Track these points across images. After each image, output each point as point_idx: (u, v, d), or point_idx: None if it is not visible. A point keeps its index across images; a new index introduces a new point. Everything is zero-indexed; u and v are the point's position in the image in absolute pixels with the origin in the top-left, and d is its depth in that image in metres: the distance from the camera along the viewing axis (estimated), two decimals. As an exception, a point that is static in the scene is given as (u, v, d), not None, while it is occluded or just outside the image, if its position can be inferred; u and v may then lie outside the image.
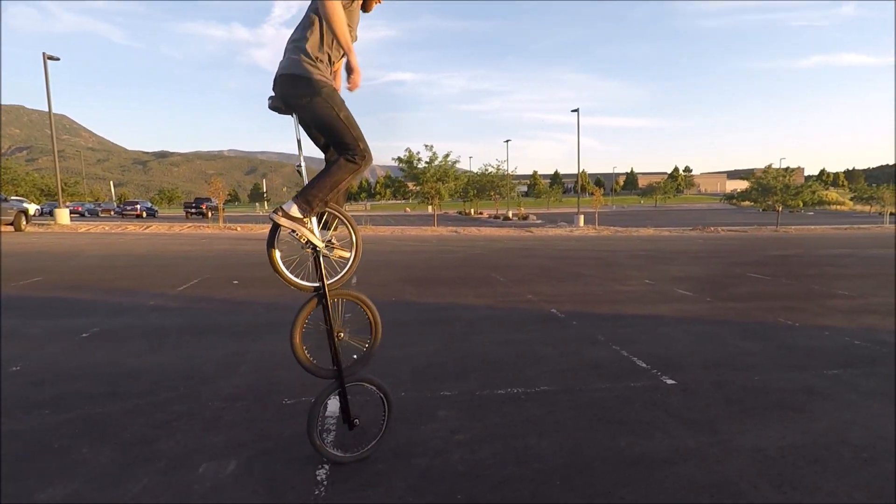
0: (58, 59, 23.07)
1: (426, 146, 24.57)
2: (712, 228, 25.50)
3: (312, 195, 2.40)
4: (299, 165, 2.48)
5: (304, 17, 2.37)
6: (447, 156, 25.38)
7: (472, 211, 63.12)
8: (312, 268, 2.62)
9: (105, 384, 3.69)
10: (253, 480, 2.46)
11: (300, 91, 2.30)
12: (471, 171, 56.23)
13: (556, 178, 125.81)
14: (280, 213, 2.40)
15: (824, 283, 8.70)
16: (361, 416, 2.70)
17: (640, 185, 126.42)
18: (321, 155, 2.60)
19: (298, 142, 2.46)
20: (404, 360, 4.28)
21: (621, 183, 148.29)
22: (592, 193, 29.22)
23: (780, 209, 30.45)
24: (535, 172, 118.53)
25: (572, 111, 33.47)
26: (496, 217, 48.26)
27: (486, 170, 50.67)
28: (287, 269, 2.56)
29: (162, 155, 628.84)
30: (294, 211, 2.40)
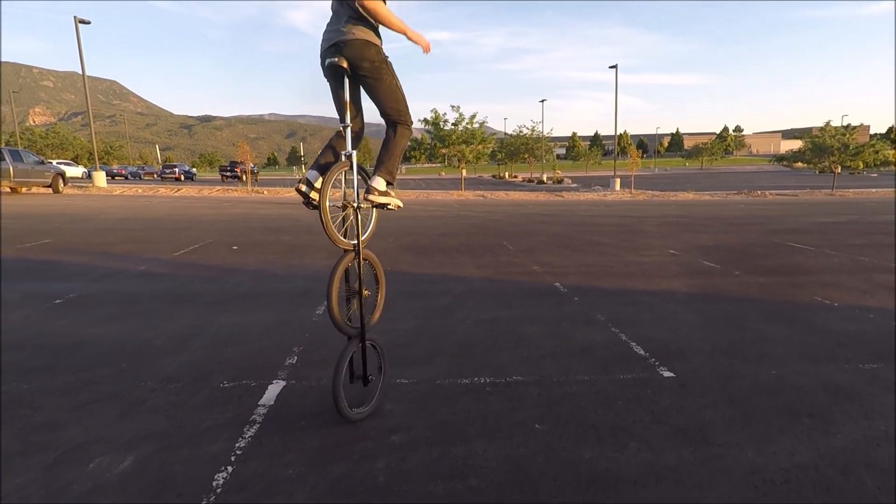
0: (88, 23, 23.15)
1: (452, 107, 23.69)
2: (759, 192, 23.84)
3: (392, 166, 2.64)
4: (347, 126, 2.56)
5: None
6: (473, 116, 24.36)
7: (507, 174, 61.80)
8: (345, 228, 2.74)
9: (47, 356, 3.45)
10: (139, 482, 2.12)
11: (371, 56, 2.44)
12: (504, 134, 54.76)
13: (595, 139, 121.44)
14: (374, 194, 2.58)
15: (876, 254, 7.74)
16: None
17: (685, 147, 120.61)
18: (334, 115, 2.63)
19: (347, 104, 2.53)
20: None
21: (665, 144, 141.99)
22: (630, 155, 27.70)
23: (839, 171, 28.15)
24: (574, 134, 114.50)
25: (610, 67, 31.59)
26: (530, 181, 46.98)
27: (521, 131, 49.17)
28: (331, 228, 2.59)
29: (206, 119, 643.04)
30: (381, 185, 2.61)
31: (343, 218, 2.69)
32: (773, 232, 10.49)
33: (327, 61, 2.45)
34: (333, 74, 2.53)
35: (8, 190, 19.21)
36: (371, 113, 2.75)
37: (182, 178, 42.49)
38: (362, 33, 2.44)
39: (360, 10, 2.42)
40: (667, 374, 3.25)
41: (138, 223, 10.76)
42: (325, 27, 2.56)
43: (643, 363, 3.42)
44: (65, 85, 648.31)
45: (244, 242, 8.35)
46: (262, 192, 22.68)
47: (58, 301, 4.73)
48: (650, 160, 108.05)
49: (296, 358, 3.47)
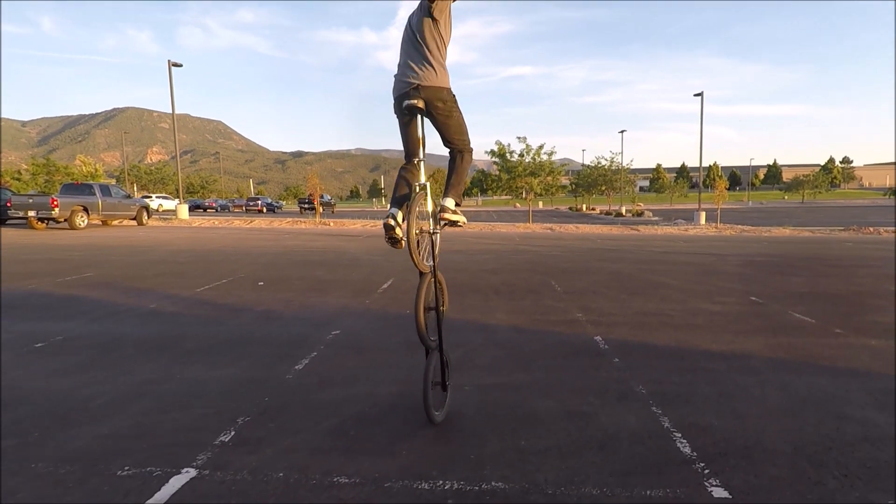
0: (180, 66, 25.18)
1: (518, 138, 22.98)
2: (871, 229, 20.77)
3: (460, 189, 2.94)
4: (420, 160, 2.92)
5: (420, 25, 2.74)
6: (541, 147, 23.46)
7: (584, 207, 59.73)
8: (420, 253, 2.92)
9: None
10: None
11: (444, 97, 2.77)
12: (582, 165, 53.19)
13: (682, 171, 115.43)
14: (448, 212, 2.86)
15: None
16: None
17: (784, 179, 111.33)
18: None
19: (419, 139, 2.86)
20: (341, 404, 3.16)
21: (761, 177, 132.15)
22: (714, 187, 25.40)
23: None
24: (659, 165, 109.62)
25: (695, 95, 29.61)
26: (608, 213, 44.91)
27: (599, 163, 47.41)
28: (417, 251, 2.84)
29: (298, 154, 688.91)
30: (452, 205, 2.88)
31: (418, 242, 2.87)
32: (890, 278, 8.66)
33: (405, 103, 2.73)
34: (409, 113, 2.81)
35: (99, 222, 20.83)
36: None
37: (264, 210, 44.88)
38: (436, 78, 2.75)
39: (429, 24, 2.72)
40: (718, 492, 2.23)
41: (188, 255, 10.89)
42: (398, 68, 2.85)
43: (685, 470, 2.42)
44: (179, 126, 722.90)
45: (275, 277, 8.02)
46: (329, 224, 23.04)
47: (39, 344, 4.43)
48: (743, 193, 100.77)
49: (233, 433, 2.80)
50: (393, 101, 2.87)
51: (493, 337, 4.74)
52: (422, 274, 2.96)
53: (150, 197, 44.01)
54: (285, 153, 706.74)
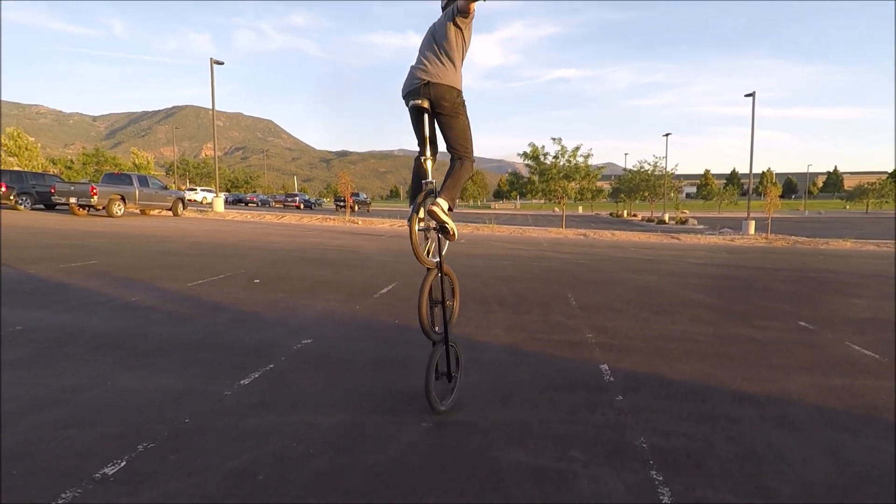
0: (222, 64, 25.52)
1: (553, 139, 21.96)
2: (947, 246, 18.74)
3: (454, 193, 2.91)
4: (426, 159, 2.92)
5: (443, 29, 2.77)
6: (577, 149, 22.34)
7: (626, 213, 57.69)
8: (430, 249, 3.07)
9: None
10: None
11: (451, 98, 2.77)
12: (624, 170, 51.36)
13: (732, 177, 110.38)
14: (439, 208, 2.77)
15: None
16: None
17: (845, 187, 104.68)
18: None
19: (428, 139, 2.88)
20: (267, 436, 2.60)
21: (820, 184, 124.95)
22: (765, 194, 23.64)
23: None
24: (707, 171, 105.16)
25: (746, 95, 27.82)
26: (650, 220, 43.05)
27: (641, 167, 45.56)
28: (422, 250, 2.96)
29: (343, 154, 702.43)
30: (444, 206, 2.81)
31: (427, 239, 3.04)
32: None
33: (412, 102, 2.78)
34: (416, 112, 2.85)
35: (138, 211, 21.26)
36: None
37: (301, 206, 45.36)
38: (446, 77, 2.74)
39: (450, 27, 2.73)
40: None
41: (202, 248, 10.68)
42: (412, 66, 2.86)
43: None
44: (231, 124, 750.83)
45: (275, 275, 7.60)
46: (357, 223, 22.78)
47: (-13, 336, 4.10)
48: (799, 201, 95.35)
49: (122, 465, 2.30)
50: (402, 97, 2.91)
51: (479, 357, 4.09)
52: (429, 269, 3.01)
53: (195, 189, 45.33)
54: (330, 152, 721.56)
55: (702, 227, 33.18)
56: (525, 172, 24.06)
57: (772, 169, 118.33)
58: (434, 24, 2.90)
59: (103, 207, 18.09)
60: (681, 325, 5.39)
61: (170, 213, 21.89)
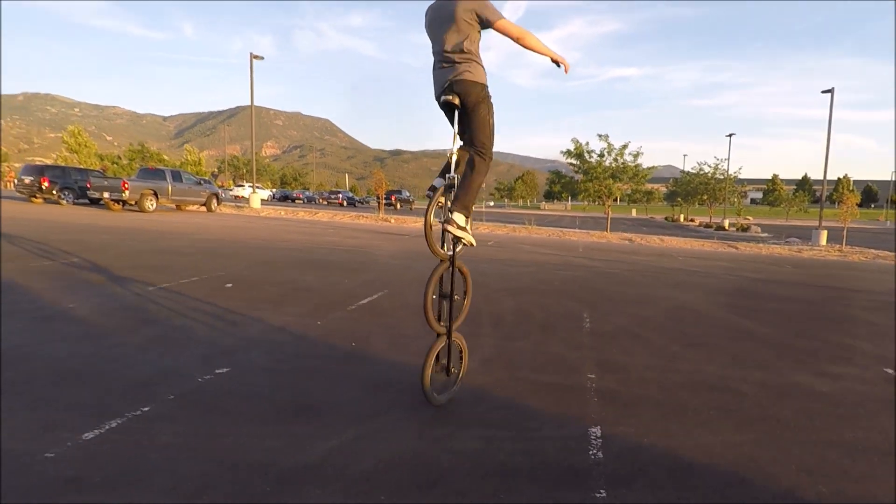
0: (262, 59, 25.49)
1: (599, 136, 20.22)
2: None
3: (469, 202, 2.89)
4: (452, 153, 2.94)
5: (452, 24, 2.75)
6: (625, 147, 20.50)
7: (682, 217, 54.39)
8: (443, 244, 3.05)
9: None
10: None
11: (476, 92, 2.79)
12: (681, 172, 48.38)
13: (804, 183, 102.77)
14: (454, 226, 2.85)
15: None
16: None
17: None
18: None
19: (455, 135, 2.93)
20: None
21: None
22: (841, 202, 21.05)
23: None
24: (775, 176, 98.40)
25: (824, 92, 25.10)
26: (708, 226, 40.17)
27: (701, 169, 42.55)
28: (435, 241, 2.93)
29: (396, 153, 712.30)
30: (461, 220, 2.86)
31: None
32: None
33: (442, 99, 2.85)
34: (448, 108, 2.90)
35: (173, 206, 21.40)
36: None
37: (344, 203, 45.43)
38: (472, 74, 2.78)
39: (467, 23, 2.75)
40: None
41: (201, 246, 10.11)
42: (434, 67, 2.91)
43: None
44: (290, 123, 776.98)
45: (253, 279, 6.82)
46: (390, 221, 22.05)
47: None
48: (880, 211, 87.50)
49: None
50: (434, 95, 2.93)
51: (423, 410, 3.04)
52: (441, 261, 2.99)
53: (243, 185, 46.39)
54: (384, 151, 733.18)
55: (765, 235, 30.43)
56: (568, 171, 22.47)
57: (849, 175, 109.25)
58: (437, 9, 2.86)
59: (136, 202, 18.19)
60: (719, 367, 4.12)
61: (204, 208, 21.95)
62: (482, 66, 2.84)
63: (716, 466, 2.54)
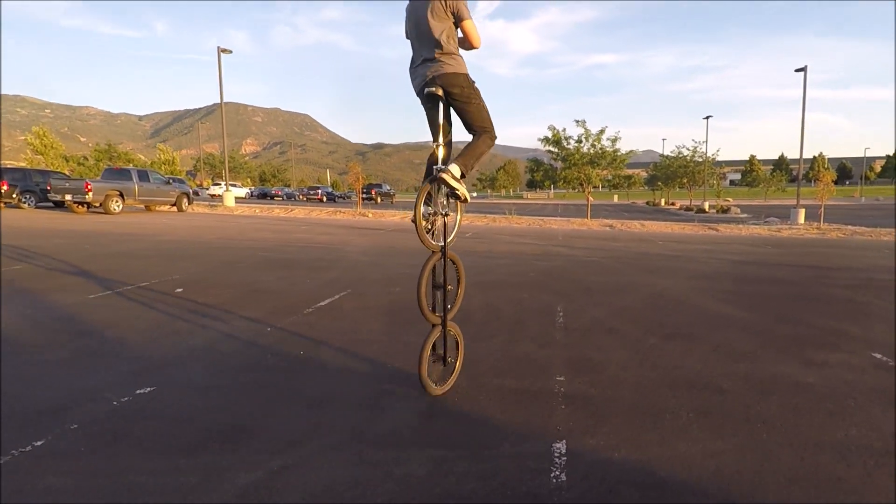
0: (230, 52, 24.69)
1: (577, 122, 19.84)
2: None
3: (469, 161, 2.95)
4: (437, 145, 2.94)
5: (428, 20, 2.79)
6: (602, 132, 20.22)
7: (663, 201, 54.63)
8: (435, 232, 3.06)
9: None
10: None
11: (461, 83, 2.84)
12: (661, 156, 48.46)
13: (780, 163, 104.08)
14: (448, 174, 2.84)
15: None
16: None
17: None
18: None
19: (440, 125, 2.92)
20: None
21: (878, 169, 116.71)
22: (817, 180, 21.04)
23: None
24: (753, 157, 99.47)
25: (797, 70, 25.12)
26: (689, 209, 40.33)
27: (679, 153, 42.61)
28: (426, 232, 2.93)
29: (378, 146, 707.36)
30: (456, 171, 2.88)
31: (432, 224, 3.01)
32: None
33: (426, 90, 2.84)
34: (430, 101, 2.91)
35: (142, 207, 20.67)
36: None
37: (324, 199, 44.70)
38: (453, 66, 2.83)
39: (441, 20, 2.80)
40: None
41: (161, 248, 9.61)
42: (412, 60, 2.97)
43: None
44: (269, 119, 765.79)
45: (208, 282, 6.40)
46: (367, 215, 21.56)
47: None
48: (855, 187, 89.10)
49: None
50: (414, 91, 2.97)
51: (367, 428, 2.69)
52: (433, 252, 3.01)
53: (220, 184, 45.30)
54: (366, 145, 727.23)
55: (745, 216, 30.58)
56: (547, 159, 22.15)
57: (824, 153, 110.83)
58: (413, 9, 2.90)
59: (100, 204, 17.47)
60: (699, 360, 3.82)
61: (174, 208, 21.25)
62: (462, 58, 2.90)
63: (695, 481, 2.23)
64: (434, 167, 2.94)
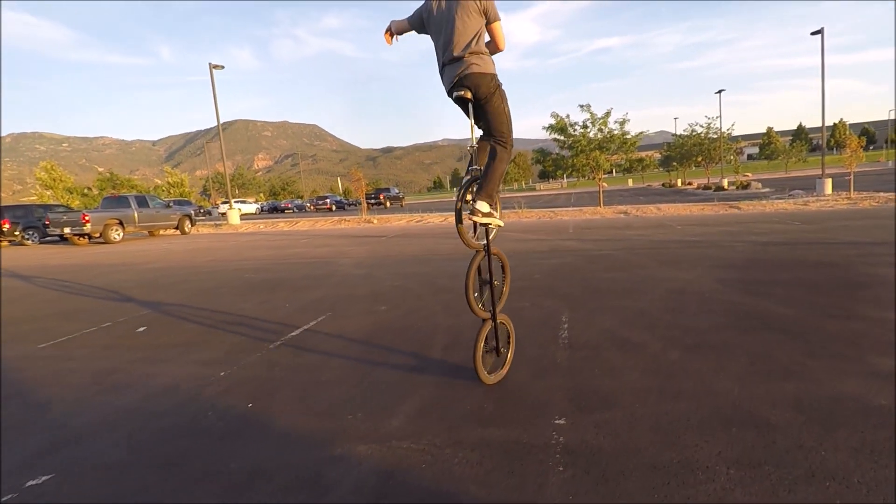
0: (222, 68, 24.35)
1: (581, 106, 18.85)
2: None
3: (491, 190, 2.98)
4: (472, 146, 3.04)
5: (457, 19, 2.79)
6: (607, 114, 19.16)
7: (679, 182, 53.09)
8: (477, 234, 3.22)
9: None
10: None
11: (486, 83, 2.83)
12: (673, 135, 47.01)
13: (799, 133, 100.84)
14: (479, 215, 2.94)
15: None
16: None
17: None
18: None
19: (472, 127, 2.99)
20: None
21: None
22: (844, 146, 19.79)
23: None
24: (770, 129, 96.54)
25: (813, 33, 23.80)
26: (707, 187, 38.93)
27: (692, 131, 41.18)
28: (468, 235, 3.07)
29: (388, 150, 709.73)
30: (485, 208, 2.95)
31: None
32: None
33: (454, 94, 2.89)
34: (461, 103, 2.96)
35: (146, 233, 20.42)
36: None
37: (333, 207, 44.37)
38: (480, 66, 2.81)
39: (471, 18, 2.79)
40: None
41: (148, 275, 9.11)
42: (438, 59, 2.97)
43: None
44: (279, 133, 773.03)
45: (177, 316, 5.82)
46: (372, 222, 20.96)
47: None
48: (879, 152, 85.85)
49: None
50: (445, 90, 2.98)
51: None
52: (477, 251, 3.12)
53: (229, 202, 45.27)
54: (375, 150, 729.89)
55: (767, 190, 29.26)
56: (553, 148, 21.25)
57: (844, 120, 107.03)
58: (436, 5, 2.90)
59: (100, 234, 17.19)
60: (735, 379, 3.07)
61: (178, 231, 20.95)
62: (490, 58, 2.89)
63: None
64: (470, 168, 3.09)
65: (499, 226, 3.11)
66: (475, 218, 2.94)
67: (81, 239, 17.64)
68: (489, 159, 2.99)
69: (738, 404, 2.75)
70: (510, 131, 2.97)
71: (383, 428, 2.77)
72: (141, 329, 5.29)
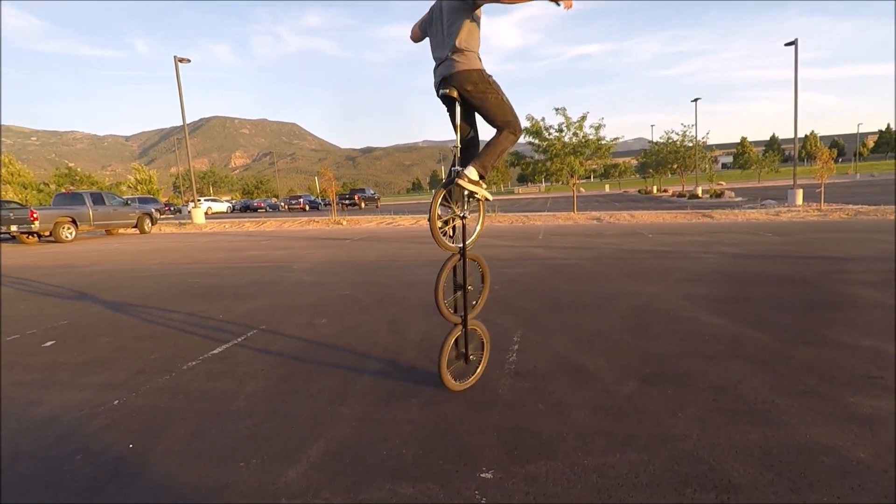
0: (188, 61, 23.49)
1: (556, 109, 18.58)
2: None
3: (487, 161, 2.86)
4: (456, 146, 2.96)
5: (443, 17, 2.79)
6: (583, 118, 18.96)
7: (655, 189, 53.57)
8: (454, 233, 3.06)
9: None
10: None
11: (474, 79, 2.76)
12: (650, 142, 47.41)
13: (772, 143, 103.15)
14: (465, 179, 2.81)
15: None
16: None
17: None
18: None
19: (457, 127, 2.91)
20: None
21: (870, 144, 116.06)
22: (815, 158, 19.91)
23: None
24: (744, 139, 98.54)
25: (787, 45, 24.06)
26: (681, 195, 39.23)
27: (668, 138, 41.50)
28: (443, 236, 2.92)
29: (367, 150, 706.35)
30: (473, 174, 2.83)
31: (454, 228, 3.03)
32: None
33: (440, 92, 2.85)
34: (447, 103, 2.89)
35: (103, 232, 19.49)
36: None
37: (307, 207, 43.53)
38: (465, 63, 2.75)
39: (459, 16, 2.75)
40: None
41: (84, 279, 8.44)
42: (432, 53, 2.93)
43: None
44: (257, 131, 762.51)
45: (93, 328, 5.24)
46: (341, 223, 20.36)
47: None
48: (848, 164, 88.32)
49: None
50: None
51: None
52: (451, 255, 3.01)
53: (200, 200, 44.06)
54: (355, 150, 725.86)
55: (740, 199, 29.53)
56: (528, 152, 20.96)
57: (815, 132, 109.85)
58: (436, 6, 2.89)
59: (50, 233, 16.25)
60: (695, 421, 2.68)
61: (137, 230, 20.04)
62: (476, 55, 2.82)
63: None
64: (452, 169, 2.94)
65: (486, 198, 2.98)
66: (461, 182, 2.81)
67: (30, 237, 16.68)
68: (496, 137, 2.90)
69: (697, 455, 2.36)
70: (516, 118, 2.90)
71: (278, 480, 2.30)
72: (48, 343, 4.70)
